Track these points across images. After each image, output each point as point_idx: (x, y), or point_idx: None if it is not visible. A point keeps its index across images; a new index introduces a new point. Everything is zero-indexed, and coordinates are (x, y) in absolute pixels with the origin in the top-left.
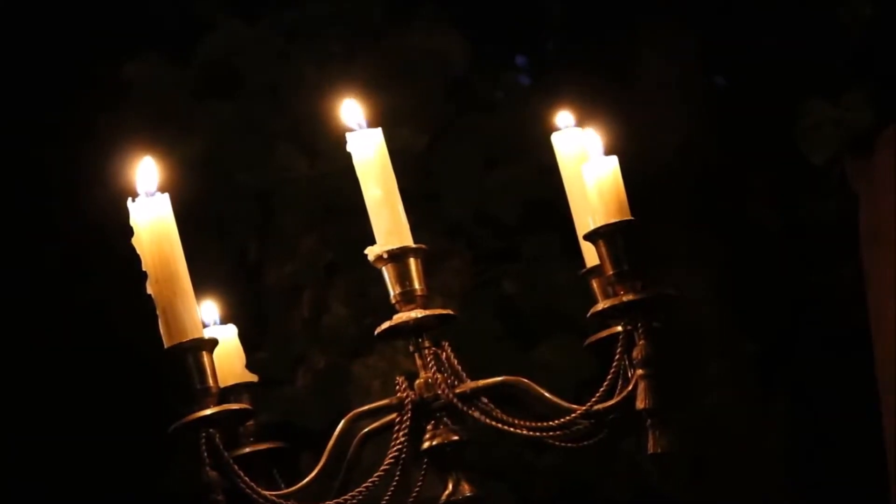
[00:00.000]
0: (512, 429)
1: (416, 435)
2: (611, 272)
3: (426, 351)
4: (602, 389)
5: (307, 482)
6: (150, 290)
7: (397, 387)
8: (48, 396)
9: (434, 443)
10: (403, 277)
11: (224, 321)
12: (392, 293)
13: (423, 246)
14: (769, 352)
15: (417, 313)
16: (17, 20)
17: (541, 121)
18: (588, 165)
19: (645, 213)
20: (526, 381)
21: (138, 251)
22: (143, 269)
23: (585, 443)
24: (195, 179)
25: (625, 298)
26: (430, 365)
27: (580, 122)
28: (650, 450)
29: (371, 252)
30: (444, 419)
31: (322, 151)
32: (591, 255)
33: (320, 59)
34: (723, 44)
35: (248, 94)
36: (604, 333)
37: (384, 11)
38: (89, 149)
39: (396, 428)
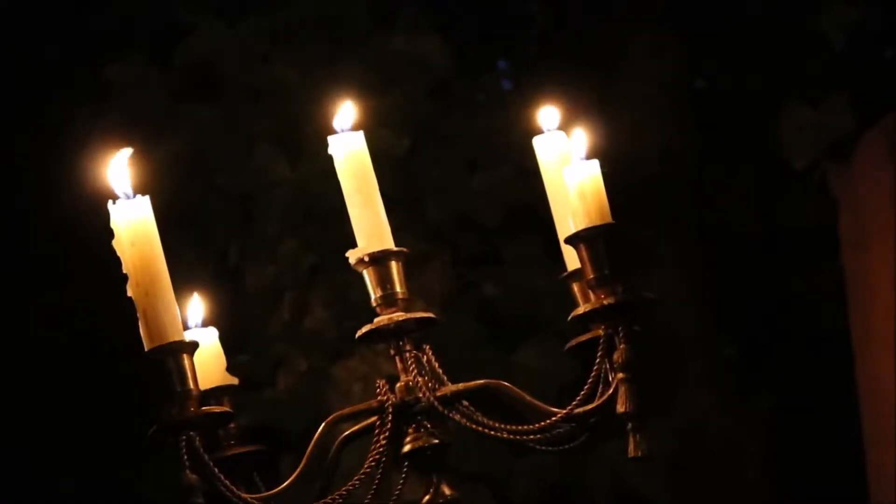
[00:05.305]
0: (492, 432)
1: (396, 438)
2: (591, 276)
3: (407, 354)
4: (583, 393)
5: (287, 485)
6: (130, 293)
7: (378, 390)
8: (28, 399)
9: (415, 446)
10: (384, 280)
11: (205, 324)
12: (373, 296)
13: (405, 249)
14: (750, 354)
15: (398, 316)
16: None
17: (522, 124)
18: (569, 169)
19: (626, 216)
20: (507, 384)
21: (119, 253)
22: (124, 271)
23: (566, 446)
24: (176, 182)
25: (605, 302)
26: (411, 368)
27: (562, 126)
28: (631, 453)
29: (352, 255)
30: (425, 422)
31: (303, 154)
32: (571, 258)
33: (302, 61)
34: (705, 48)
35: (230, 97)
36: (584, 337)
37: (366, 15)
38: (69, 151)
39: (377, 431)
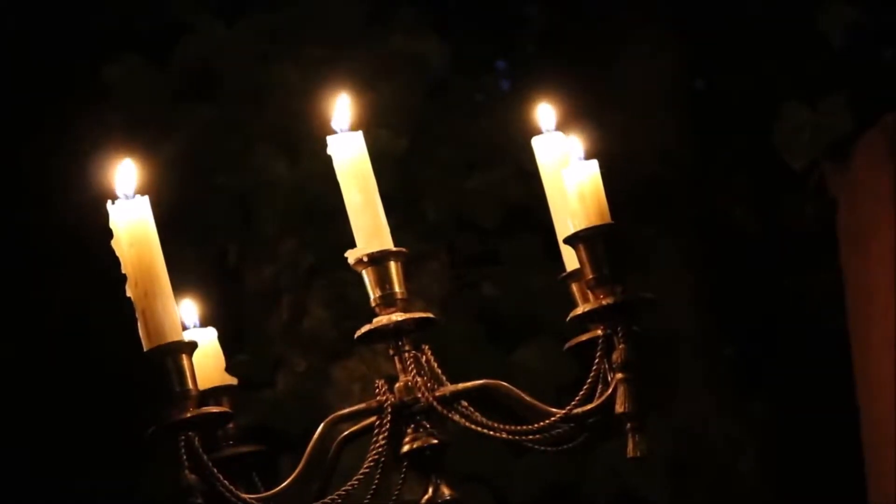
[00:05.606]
0: (491, 432)
1: (395, 438)
2: (590, 276)
3: (406, 354)
4: (582, 393)
5: (286, 485)
6: (129, 293)
7: (377, 390)
8: (28, 399)
9: (414, 446)
10: (383, 281)
11: (204, 324)
12: (372, 296)
13: (404, 249)
14: (749, 354)
15: (397, 316)
16: None
17: (521, 124)
18: (568, 169)
19: (625, 216)
20: (506, 384)
21: (118, 254)
22: (123, 271)
23: (565, 446)
24: (175, 182)
25: (604, 302)
26: (410, 368)
27: (561, 126)
28: (629, 454)
29: (351, 255)
30: (424, 422)
31: (302, 154)
32: (570, 258)
33: (300, 61)
34: (705, 48)
35: (228, 97)
36: (584, 337)
37: (364, 14)
38: (68, 151)
39: (376, 431)
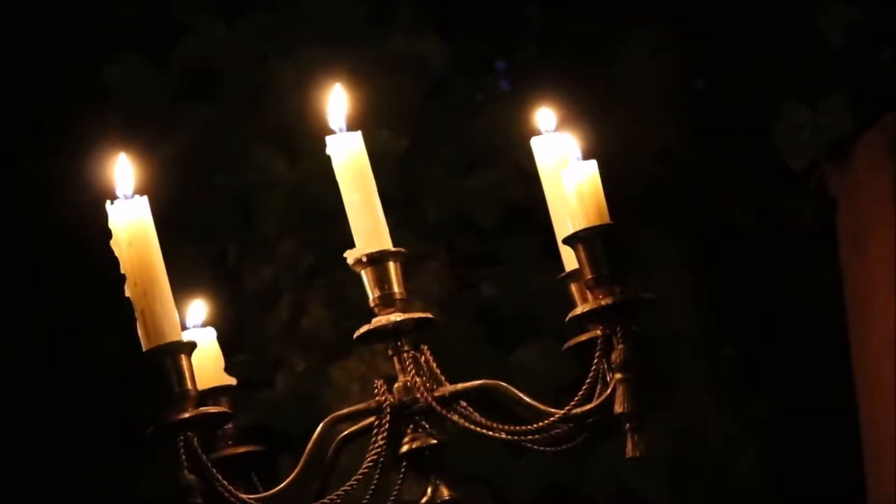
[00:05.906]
0: (490, 432)
1: (394, 438)
2: (589, 276)
3: (405, 354)
4: (581, 393)
5: (285, 485)
6: (128, 293)
7: (376, 390)
8: (28, 399)
9: (413, 446)
10: (382, 281)
11: (203, 324)
12: (371, 296)
13: (403, 249)
14: (749, 354)
15: (396, 317)
16: None
17: (521, 124)
18: (567, 170)
19: (625, 216)
20: (504, 384)
21: (117, 254)
22: (122, 271)
23: (564, 446)
24: (174, 181)
25: (603, 302)
26: (409, 368)
27: (560, 126)
28: (628, 454)
29: (350, 255)
30: (423, 423)
31: (301, 154)
32: (570, 258)
33: (300, 61)
34: (705, 48)
35: (228, 97)
36: (583, 337)
37: (364, 14)
38: (68, 151)
39: (375, 431)
